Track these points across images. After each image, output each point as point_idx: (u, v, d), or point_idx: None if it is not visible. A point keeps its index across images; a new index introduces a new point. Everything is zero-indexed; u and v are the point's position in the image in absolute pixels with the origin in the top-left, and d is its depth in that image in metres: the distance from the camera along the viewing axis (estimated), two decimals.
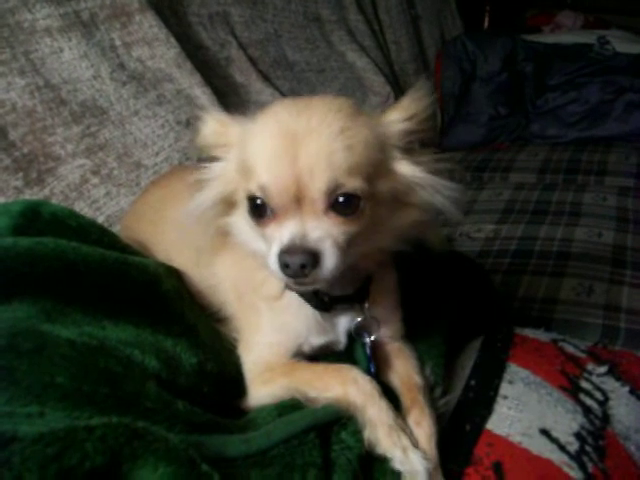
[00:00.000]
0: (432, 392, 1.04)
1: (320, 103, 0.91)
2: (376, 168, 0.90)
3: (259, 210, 0.89)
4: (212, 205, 0.98)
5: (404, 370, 1.06)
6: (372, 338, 1.04)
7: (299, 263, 0.84)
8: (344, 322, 1.06)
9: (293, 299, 1.03)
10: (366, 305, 1.03)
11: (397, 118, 0.95)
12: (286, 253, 0.84)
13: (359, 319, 1.04)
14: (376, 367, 1.03)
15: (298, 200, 0.85)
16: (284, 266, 0.84)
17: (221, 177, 0.98)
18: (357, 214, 0.88)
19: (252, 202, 0.89)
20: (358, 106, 0.95)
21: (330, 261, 0.85)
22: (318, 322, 1.04)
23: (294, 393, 0.99)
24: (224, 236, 1.04)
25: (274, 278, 0.98)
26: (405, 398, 1.00)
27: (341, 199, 0.86)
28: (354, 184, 0.86)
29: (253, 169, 0.88)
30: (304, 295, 1.01)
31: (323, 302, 1.02)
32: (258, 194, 0.87)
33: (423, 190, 0.95)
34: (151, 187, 1.47)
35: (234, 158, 0.96)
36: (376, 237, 0.95)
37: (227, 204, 0.99)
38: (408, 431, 0.93)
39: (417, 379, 1.04)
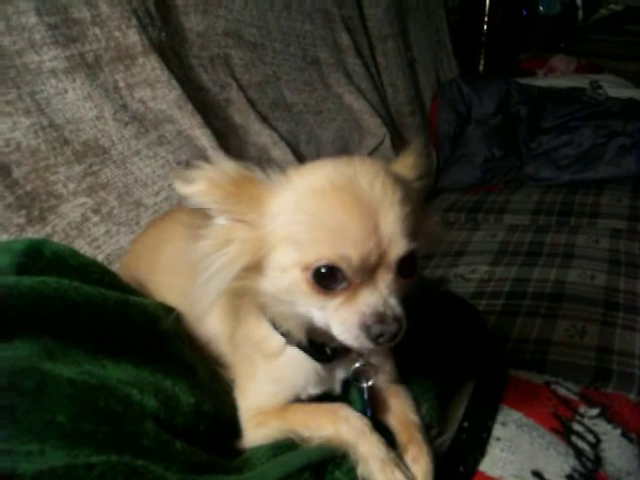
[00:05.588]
0: (428, 433, 1.04)
1: (372, 168, 0.90)
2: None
3: (325, 281, 0.86)
4: (236, 274, 0.90)
5: (400, 410, 1.07)
6: (370, 383, 1.04)
7: (394, 332, 0.86)
8: (341, 372, 1.07)
9: (293, 353, 1.03)
10: (365, 350, 1.03)
11: (413, 176, 0.99)
12: (379, 323, 0.85)
13: (357, 364, 1.04)
14: (372, 410, 1.03)
15: (373, 268, 0.87)
16: (375, 336, 0.86)
17: (245, 243, 0.90)
18: (414, 273, 0.92)
19: (318, 274, 0.86)
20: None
21: (405, 322, 0.88)
22: (318, 373, 1.04)
23: (288, 434, 1.00)
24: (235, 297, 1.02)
25: (275, 336, 1.01)
26: (402, 436, 1.01)
27: (408, 262, 0.89)
28: (417, 246, 0.89)
29: (324, 241, 0.85)
30: (306, 349, 1.01)
31: (325, 354, 1.03)
32: (338, 264, 0.84)
33: (436, 241, 1.01)
34: (150, 228, 1.48)
35: (273, 226, 0.89)
36: None
37: (246, 268, 0.91)
38: (402, 466, 0.93)
39: (414, 417, 1.05)
